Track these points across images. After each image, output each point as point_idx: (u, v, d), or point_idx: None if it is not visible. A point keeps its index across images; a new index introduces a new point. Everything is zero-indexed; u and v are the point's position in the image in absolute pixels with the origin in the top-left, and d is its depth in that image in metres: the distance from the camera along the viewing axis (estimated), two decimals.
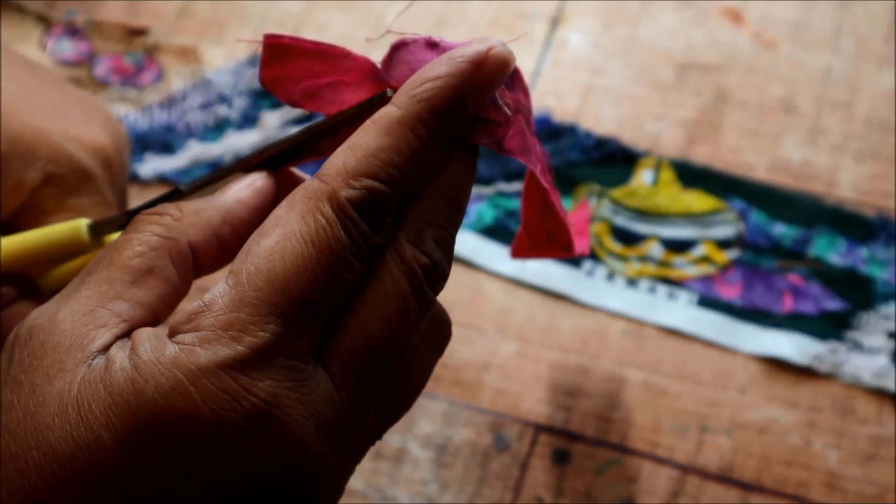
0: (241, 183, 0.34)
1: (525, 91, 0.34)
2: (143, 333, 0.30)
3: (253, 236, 0.30)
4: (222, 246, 0.33)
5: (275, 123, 0.61)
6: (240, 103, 0.62)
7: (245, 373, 0.28)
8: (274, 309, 0.29)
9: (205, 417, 0.28)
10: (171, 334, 0.29)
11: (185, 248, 0.32)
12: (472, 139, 0.32)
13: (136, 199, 0.60)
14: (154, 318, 0.32)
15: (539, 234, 0.40)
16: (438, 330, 0.35)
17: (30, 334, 0.30)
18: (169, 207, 0.33)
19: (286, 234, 0.29)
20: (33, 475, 0.29)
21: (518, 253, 0.43)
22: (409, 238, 0.31)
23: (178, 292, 0.32)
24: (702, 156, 0.60)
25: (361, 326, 0.30)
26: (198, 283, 0.35)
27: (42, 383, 0.29)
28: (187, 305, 0.30)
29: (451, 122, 0.31)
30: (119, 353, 0.29)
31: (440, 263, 0.31)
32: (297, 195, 0.30)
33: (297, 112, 0.62)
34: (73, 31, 0.65)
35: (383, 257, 0.30)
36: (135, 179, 0.61)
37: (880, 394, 0.54)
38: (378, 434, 0.33)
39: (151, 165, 0.61)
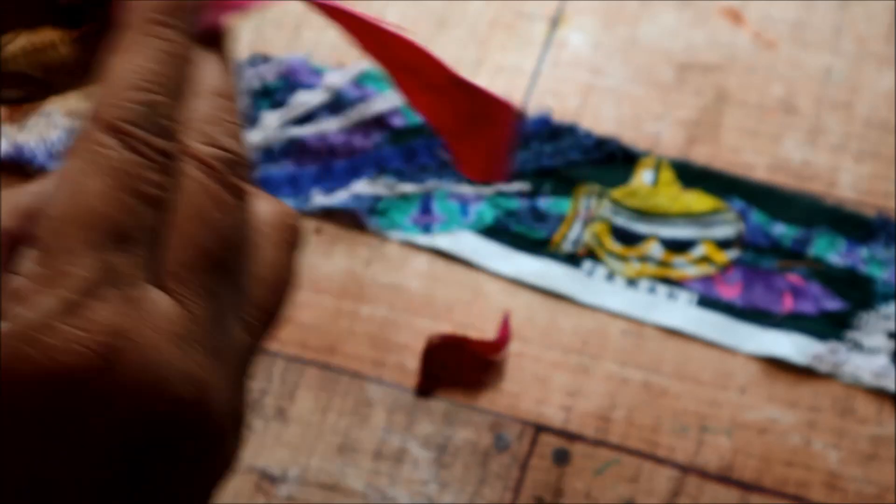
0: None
1: None
2: None
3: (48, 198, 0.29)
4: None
5: (275, 123, 0.61)
6: (240, 104, 0.62)
7: (77, 314, 0.27)
8: (84, 246, 0.28)
9: (56, 373, 0.27)
10: None
11: None
12: (210, 23, 0.32)
13: None
14: None
15: (460, 123, 0.36)
16: (284, 226, 0.33)
17: None
18: None
19: (75, 176, 0.28)
20: None
21: (471, 172, 0.39)
22: (195, 139, 0.30)
23: None
24: (702, 156, 0.60)
25: (180, 235, 0.29)
26: None
27: None
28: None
29: (178, 12, 0.30)
30: None
31: (235, 151, 0.31)
32: (73, 145, 0.29)
33: (297, 112, 0.62)
34: None
35: (180, 166, 0.29)
36: None
37: (880, 394, 0.54)
38: (253, 341, 0.31)
39: None
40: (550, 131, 0.61)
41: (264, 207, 0.33)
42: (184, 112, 0.30)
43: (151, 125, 0.29)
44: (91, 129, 0.29)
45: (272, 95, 0.62)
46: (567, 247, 0.57)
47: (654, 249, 0.57)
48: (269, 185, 0.60)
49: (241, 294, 0.31)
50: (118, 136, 0.29)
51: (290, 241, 0.34)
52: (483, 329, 0.56)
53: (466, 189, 0.59)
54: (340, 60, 0.64)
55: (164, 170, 0.29)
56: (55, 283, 0.27)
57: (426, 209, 0.59)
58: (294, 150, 0.61)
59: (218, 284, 0.30)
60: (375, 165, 0.60)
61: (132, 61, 0.29)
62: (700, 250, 0.57)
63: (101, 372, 0.27)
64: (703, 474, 0.52)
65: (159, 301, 0.28)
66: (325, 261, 0.58)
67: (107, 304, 0.27)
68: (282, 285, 0.33)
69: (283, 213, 0.34)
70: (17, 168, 0.61)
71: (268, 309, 0.32)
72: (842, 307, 0.56)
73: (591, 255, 0.57)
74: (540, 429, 0.53)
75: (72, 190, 0.28)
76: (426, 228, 0.58)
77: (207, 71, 0.32)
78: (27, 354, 0.26)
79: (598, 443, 0.53)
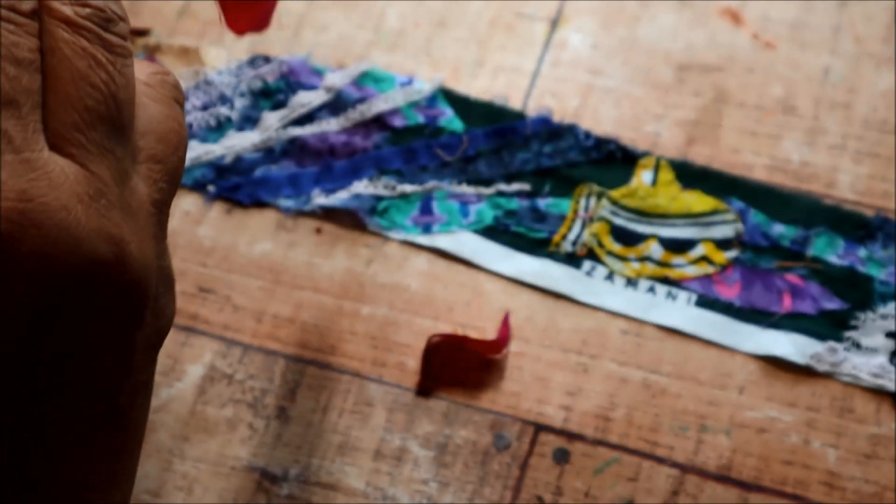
0: None
1: None
2: None
3: None
4: None
5: (275, 124, 0.61)
6: (241, 104, 0.62)
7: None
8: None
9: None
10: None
11: None
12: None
13: None
14: None
15: None
16: (163, 82, 0.33)
17: None
18: None
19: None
20: None
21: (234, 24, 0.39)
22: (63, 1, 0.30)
23: None
24: (701, 156, 0.60)
25: (64, 98, 0.29)
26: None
27: None
28: None
29: None
30: None
31: (104, 7, 0.30)
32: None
33: (297, 113, 0.62)
34: None
35: (46, 28, 0.29)
36: None
37: (879, 393, 0.54)
38: (159, 196, 0.31)
39: None
40: (550, 131, 0.61)
41: (140, 68, 0.32)
42: None
43: None
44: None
45: (272, 96, 0.62)
46: (567, 247, 0.58)
47: (654, 249, 0.58)
48: (270, 185, 0.60)
49: (136, 150, 0.31)
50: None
51: (173, 96, 0.34)
52: (483, 329, 0.56)
53: (467, 189, 0.59)
54: (341, 61, 0.64)
55: (32, 32, 0.29)
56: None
57: (426, 209, 0.59)
58: (294, 150, 0.61)
59: (111, 141, 0.29)
60: (376, 166, 0.60)
61: None
62: (699, 250, 0.58)
63: (12, 236, 0.26)
64: (703, 473, 0.52)
65: (59, 162, 0.28)
66: (325, 261, 0.58)
67: (6, 169, 0.27)
68: (174, 137, 0.33)
69: (159, 71, 0.34)
70: None
71: (165, 162, 0.32)
72: (841, 307, 0.56)
73: (591, 255, 0.58)
74: (540, 428, 0.53)
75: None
76: (426, 229, 0.58)
77: None
78: None
79: (598, 442, 0.53)
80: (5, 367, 0.27)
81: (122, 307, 0.29)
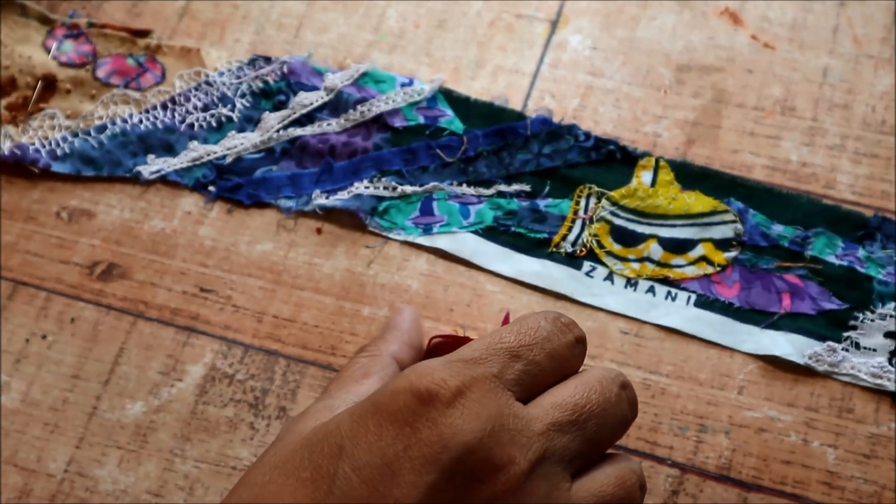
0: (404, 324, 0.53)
1: None
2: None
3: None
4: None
5: (276, 124, 0.62)
6: (241, 105, 0.63)
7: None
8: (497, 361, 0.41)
9: (419, 394, 0.38)
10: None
11: (386, 359, 0.48)
12: None
13: (137, 199, 0.61)
14: None
15: None
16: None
17: (326, 437, 0.39)
18: (370, 348, 0.50)
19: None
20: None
21: None
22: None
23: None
24: (700, 157, 0.60)
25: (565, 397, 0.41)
26: None
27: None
28: None
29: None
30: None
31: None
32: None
33: (298, 113, 0.62)
34: (75, 33, 0.65)
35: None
36: (137, 180, 0.61)
37: (878, 393, 0.54)
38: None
39: (154, 166, 0.61)
40: (550, 132, 0.61)
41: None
42: None
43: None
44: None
45: (273, 97, 0.63)
46: (567, 247, 0.58)
47: (654, 250, 0.58)
48: (270, 186, 0.60)
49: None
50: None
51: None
52: (483, 329, 0.56)
53: (467, 190, 0.60)
54: (341, 61, 0.64)
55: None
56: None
57: (427, 210, 0.59)
58: (295, 150, 0.61)
59: (568, 442, 0.40)
60: (376, 166, 0.60)
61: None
62: (699, 250, 0.58)
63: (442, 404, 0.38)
64: (702, 473, 0.52)
65: (518, 408, 0.39)
66: (325, 261, 0.58)
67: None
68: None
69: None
70: (21, 168, 0.61)
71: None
72: (840, 307, 0.56)
73: (591, 255, 0.58)
74: None
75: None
76: (427, 229, 0.59)
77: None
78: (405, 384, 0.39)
79: None
80: None
81: None
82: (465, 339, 0.53)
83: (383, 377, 0.46)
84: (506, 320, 0.55)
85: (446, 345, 0.54)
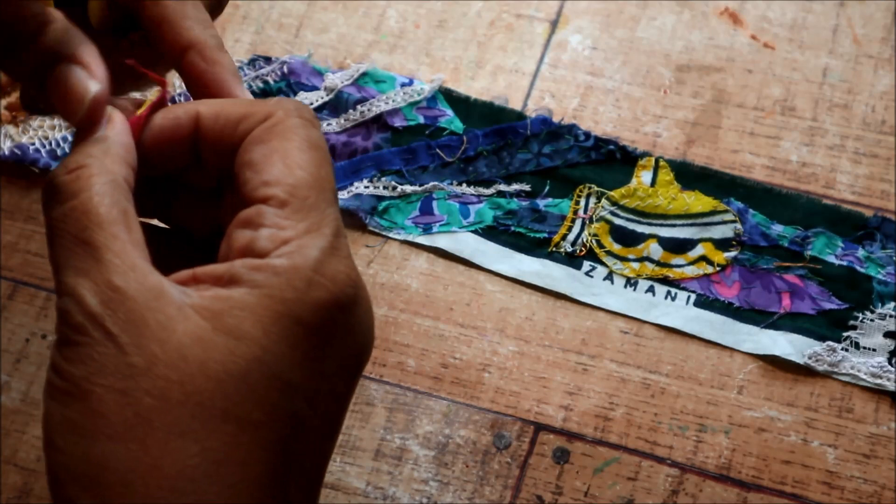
0: (103, 120, 0.36)
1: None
2: (232, 268, 0.34)
3: (250, 166, 0.35)
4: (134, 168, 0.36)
5: None
6: None
7: (340, 252, 0.35)
8: (326, 204, 0.35)
9: (339, 297, 0.34)
10: (263, 255, 0.34)
11: (125, 184, 0.35)
12: None
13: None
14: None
15: None
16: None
17: (111, 308, 0.32)
18: (82, 158, 0.35)
19: (294, 151, 0.35)
20: (218, 401, 0.32)
21: None
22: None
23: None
24: (700, 156, 0.60)
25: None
26: None
27: (165, 335, 0.32)
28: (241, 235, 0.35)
29: None
30: (218, 291, 0.33)
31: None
32: (272, 129, 0.36)
33: None
34: None
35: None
36: None
37: (878, 393, 0.54)
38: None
39: None
40: (550, 132, 0.61)
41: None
42: None
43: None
44: (285, 118, 0.36)
45: (273, 96, 0.63)
46: (567, 247, 0.58)
47: (653, 249, 0.58)
48: None
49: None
50: (307, 122, 0.36)
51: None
52: (483, 329, 0.56)
53: (467, 190, 0.60)
54: (341, 62, 0.64)
55: None
56: (319, 231, 0.34)
57: (426, 210, 0.59)
58: None
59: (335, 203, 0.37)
60: (376, 166, 0.60)
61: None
62: (699, 250, 0.58)
63: (357, 301, 0.35)
64: (702, 473, 0.52)
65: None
66: None
67: (347, 248, 0.35)
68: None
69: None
70: (21, 168, 0.61)
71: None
72: (839, 307, 0.56)
73: (591, 255, 0.58)
74: (540, 428, 0.53)
75: (300, 162, 0.35)
76: (427, 229, 0.59)
77: None
78: (321, 284, 0.34)
79: (598, 442, 0.53)
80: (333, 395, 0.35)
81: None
82: (161, 82, 0.40)
83: (133, 213, 0.34)
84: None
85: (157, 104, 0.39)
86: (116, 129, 0.36)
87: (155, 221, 0.40)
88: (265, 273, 0.33)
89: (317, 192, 0.35)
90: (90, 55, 0.36)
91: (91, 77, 0.35)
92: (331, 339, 0.34)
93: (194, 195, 0.39)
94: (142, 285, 0.33)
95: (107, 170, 0.34)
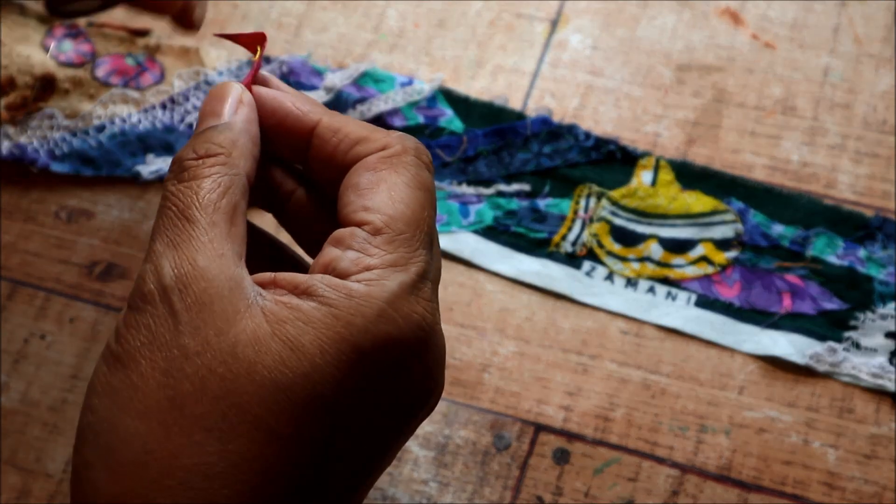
0: (232, 101, 0.37)
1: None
2: (311, 280, 0.34)
3: (356, 189, 0.35)
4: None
5: None
6: None
7: (420, 294, 0.34)
8: (420, 243, 0.35)
9: (407, 337, 0.33)
10: (343, 276, 0.34)
11: (245, 181, 0.35)
12: None
13: (136, 198, 0.61)
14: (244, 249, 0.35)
15: None
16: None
17: (183, 284, 0.33)
18: (213, 147, 0.35)
19: (402, 187, 0.35)
20: (254, 407, 0.32)
21: None
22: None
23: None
24: (701, 156, 0.60)
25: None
26: None
27: (225, 326, 0.32)
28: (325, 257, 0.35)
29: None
30: (291, 299, 0.33)
31: None
32: (388, 161, 0.36)
33: None
34: (74, 33, 0.65)
35: None
36: (136, 179, 0.61)
37: (879, 393, 0.54)
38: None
39: (153, 166, 0.61)
40: (550, 132, 0.61)
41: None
42: None
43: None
44: (402, 153, 0.36)
45: None
46: (567, 247, 0.58)
47: (654, 250, 0.58)
48: None
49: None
50: (422, 164, 0.36)
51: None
52: (483, 329, 0.56)
53: (467, 190, 0.59)
54: (341, 61, 0.64)
55: None
56: (405, 267, 0.34)
57: None
58: None
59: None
60: None
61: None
62: (699, 250, 0.58)
63: (428, 344, 0.34)
64: (703, 473, 0.52)
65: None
66: None
67: (430, 290, 0.35)
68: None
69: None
70: (20, 168, 0.61)
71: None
72: (840, 307, 0.56)
73: (591, 255, 0.58)
74: (540, 428, 0.53)
75: (405, 197, 0.35)
76: None
77: None
78: (391, 317, 0.33)
79: (598, 442, 0.53)
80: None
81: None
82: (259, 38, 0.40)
83: (245, 214, 0.36)
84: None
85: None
86: (247, 116, 0.36)
87: (269, 217, 0.41)
88: (339, 293, 0.33)
89: (413, 229, 0.35)
90: None
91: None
92: (388, 376, 0.33)
93: (310, 204, 0.40)
94: (222, 272, 0.33)
95: (232, 163, 0.35)
